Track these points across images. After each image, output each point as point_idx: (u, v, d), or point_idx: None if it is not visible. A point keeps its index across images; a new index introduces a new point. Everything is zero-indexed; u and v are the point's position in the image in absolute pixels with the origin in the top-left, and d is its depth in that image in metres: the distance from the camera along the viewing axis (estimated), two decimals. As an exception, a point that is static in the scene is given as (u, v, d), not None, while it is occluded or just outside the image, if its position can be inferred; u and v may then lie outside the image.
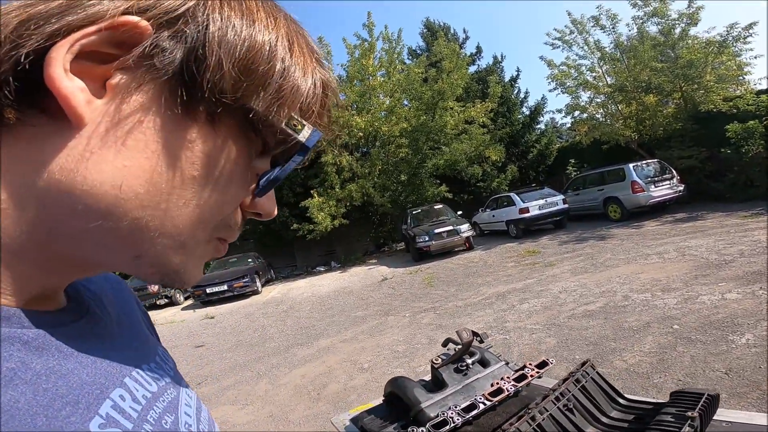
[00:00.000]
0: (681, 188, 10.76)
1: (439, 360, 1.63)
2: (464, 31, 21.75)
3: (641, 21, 12.62)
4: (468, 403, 1.33)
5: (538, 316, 5.32)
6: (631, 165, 10.84)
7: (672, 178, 10.82)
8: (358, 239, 17.73)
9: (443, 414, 1.27)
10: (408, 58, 19.08)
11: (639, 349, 3.83)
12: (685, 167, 11.35)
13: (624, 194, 10.76)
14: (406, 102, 15.20)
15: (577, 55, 14.29)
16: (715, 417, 1.16)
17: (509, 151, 18.66)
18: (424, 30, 21.37)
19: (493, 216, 13.77)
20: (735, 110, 10.68)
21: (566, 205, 12.12)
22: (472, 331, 1.66)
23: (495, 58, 21.57)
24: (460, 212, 13.99)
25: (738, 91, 11.76)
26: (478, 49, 21.51)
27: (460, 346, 1.65)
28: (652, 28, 12.55)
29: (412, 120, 14.34)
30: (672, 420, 1.02)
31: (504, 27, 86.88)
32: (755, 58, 11.54)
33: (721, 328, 3.82)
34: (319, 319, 7.92)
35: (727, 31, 11.43)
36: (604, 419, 1.20)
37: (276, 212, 0.39)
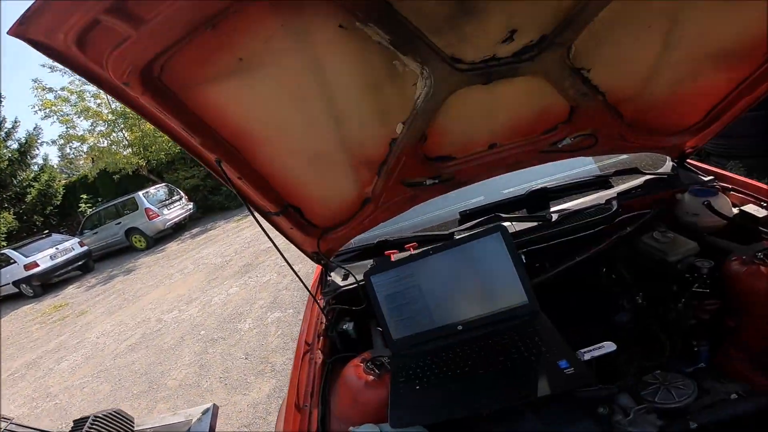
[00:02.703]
0: (191, 206, 12.35)
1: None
2: None
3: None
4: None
5: (83, 369, 5.05)
6: (140, 193, 11.27)
7: (181, 199, 12.20)
8: None
9: None
10: None
11: (182, 363, 4.27)
12: (190, 186, 13.01)
13: (142, 223, 11.14)
14: None
15: (80, 80, 12.71)
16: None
17: (-3, 197, 14.66)
18: None
19: (-9, 282, 10.63)
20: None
21: (85, 248, 11.17)
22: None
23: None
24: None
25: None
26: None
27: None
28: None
29: None
30: None
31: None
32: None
33: (232, 321, 4.82)
34: None
35: None
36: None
37: None
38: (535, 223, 1.61)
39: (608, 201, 1.56)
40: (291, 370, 1.43)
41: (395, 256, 1.75)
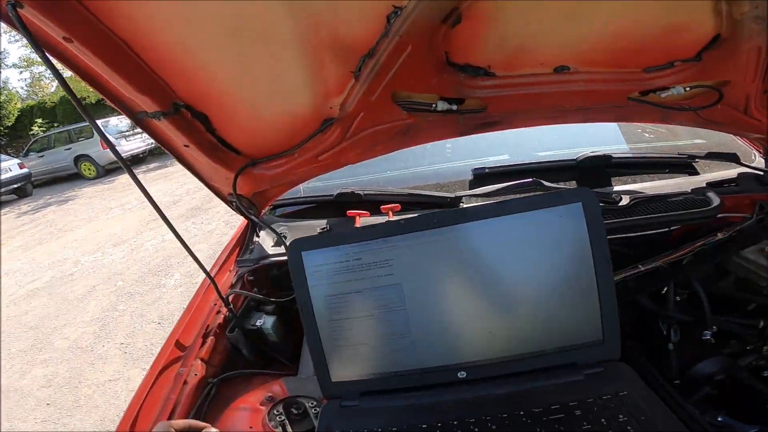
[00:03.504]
0: (152, 141, 11.11)
1: None
2: None
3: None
4: None
5: (-35, 316, 4.15)
6: (98, 121, 9.92)
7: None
8: None
9: None
10: None
11: (82, 320, 3.43)
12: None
13: (94, 151, 10.15)
14: None
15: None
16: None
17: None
18: None
19: None
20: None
21: (25, 170, 10.00)
22: None
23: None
24: None
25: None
26: None
27: None
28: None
29: None
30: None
31: None
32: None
33: (157, 274, 3.90)
34: None
35: None
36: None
37: None
38: None
39: (697, 191, 1.00)
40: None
41: (363, 219, 1.11)
